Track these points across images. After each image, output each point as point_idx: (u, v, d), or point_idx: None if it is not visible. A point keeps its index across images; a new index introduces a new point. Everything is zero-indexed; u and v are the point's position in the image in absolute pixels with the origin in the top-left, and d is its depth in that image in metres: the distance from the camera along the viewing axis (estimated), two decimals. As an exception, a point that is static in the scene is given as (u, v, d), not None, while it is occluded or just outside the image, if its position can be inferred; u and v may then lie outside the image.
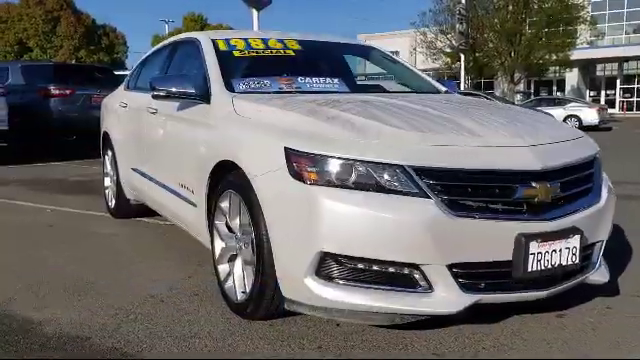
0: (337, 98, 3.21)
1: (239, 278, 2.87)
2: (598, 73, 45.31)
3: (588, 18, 32.49)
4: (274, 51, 3.74)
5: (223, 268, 3.03)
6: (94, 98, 11.08)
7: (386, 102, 3.05)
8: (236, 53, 3.67)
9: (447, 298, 2.33)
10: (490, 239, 2.33)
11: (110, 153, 5.32)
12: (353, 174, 2.35)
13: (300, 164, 2.42)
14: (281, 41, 3.86)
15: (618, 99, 43.57)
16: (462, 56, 25.74)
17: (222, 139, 2.99)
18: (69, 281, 3.48)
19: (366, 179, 2.33)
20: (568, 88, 43.72)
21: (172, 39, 4.48)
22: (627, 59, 42.05)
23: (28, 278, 3.53)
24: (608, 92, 44.58)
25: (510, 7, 29.94)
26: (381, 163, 2.33)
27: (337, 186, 2.35)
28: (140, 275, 3.60)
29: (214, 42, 3.73)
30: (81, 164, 10.08)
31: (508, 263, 2.36)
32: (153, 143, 4.10)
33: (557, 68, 36.54)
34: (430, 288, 2.34)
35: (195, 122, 3.36)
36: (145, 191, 4.36)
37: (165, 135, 3.85)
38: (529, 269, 2.34)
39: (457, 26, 25.68)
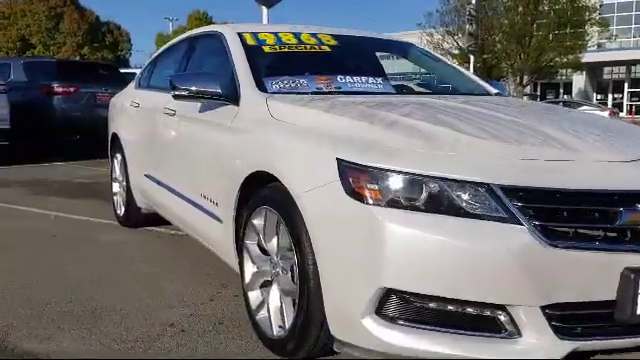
0: (388, 100, 2.81)
1: (275, 310, 2.46)
2: (605, 76, 44.94)
3: (599, 20, 32.07)
4: (308, 46, 3.34)
5: (255, 295, 2.62)
6: (99, 96, 10.72)
7: (448, 105, 2.65)
8: (266, 49, 3.27)
9: (539, 345, 1.92)
10: (591, 274, 1.92)
11: (119, 157, 4.92)
12: (424, 193, 1.94)
13: (357, 180, 2.02)
14: (314, 35, 3.45)
15: (625, 102, 43.14)
16: (472, 57, 25.29)
17: (255, 146, 2.59)
18: (76, 304, 3.07)
19: (440, 199, 1.93)
20: (575, 91, 43.34)
21: (190, 33, 4.07)
22: (635, 62, 41.67)
23: (30, 300, 3.13)
24: (615, 95, 44.19)
25: (520, 8, 29.53)
26: (461, 181, 1.92)
27: (404, 207, 1.94)
28: (156, 297, 3.19)
29: (241, 36, 3.32)
30: (85, 165, 9.68)
31: (610, 303, 1.94)
32: (170, 148, 3.70)
33: (565, 71, 36.16)
34: (518, 333, 1.93)
35: (221, 126, 2.95)
36: (159, 200, 3.95)
37: (185, 139, 3.44)
38: (638, 311, 1.93)
39: (467, 27, 25.20)
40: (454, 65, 3.88)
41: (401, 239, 1.91)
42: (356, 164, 2.03)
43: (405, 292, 1.93)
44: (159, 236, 4.66)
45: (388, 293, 1.96)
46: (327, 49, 3.37)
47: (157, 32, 49.26)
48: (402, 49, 3.96)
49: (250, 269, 2.66)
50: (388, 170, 1.98)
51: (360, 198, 1.99)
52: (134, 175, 4.53)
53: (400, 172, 1.97)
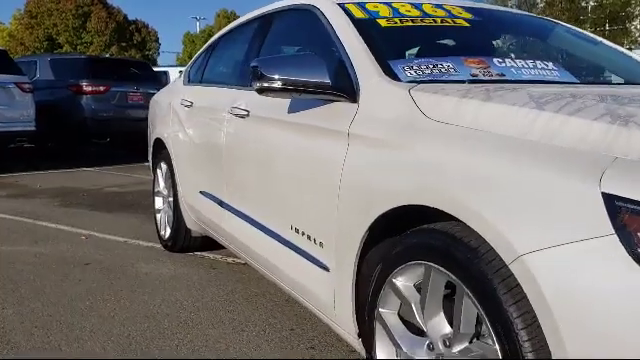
0: (594, 92, 1.86)
1: None
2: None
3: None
4: (438, 20, 2.41)
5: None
6: (130, 96, 9.96)
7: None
8: (383, 22, 2.34)
9: None
10: None
11: (165, 167, 4.04)
12: None
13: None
14: (440, 7, 2.52)
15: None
16: (513, 54, 24.14)
17: (404, 165, 1.66)
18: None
19: None
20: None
21: (262, 10, 3.14)
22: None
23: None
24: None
25: (560, 4, 28.24)
26: None
27: None
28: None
29: (344, 7, 2.40)
30: (116, 170, 8.87)
31: None
32: (240, 160, 2.80)
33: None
34: None
35: (330, 132, 2.04)
36: (221, 226, 3.06)
37: (265, 150, 2.53)
38: None
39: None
40: (620, 48, 2.90)
41: None
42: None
43: None
44: (213, 266, 3.77)
45: None
46: (464, 23, 2.43)
47: (184, 32, 48.64)
48: (545, 28, 2.97)
49: (386, 351, 1.74)
50: None
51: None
52: (185, 191, 3.65)
53: None
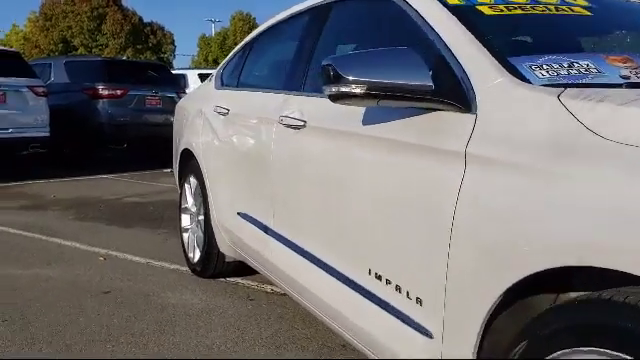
0: None
1: None
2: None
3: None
4: (551, 8, 1.90)
5: None
6: (148, 100, 9.55)
7: None
8: (485, 10, 1.84)
9: None
10: None
11: (194, 181, 3.57)
12: None
13: None
14: (546, -8, 2.01)
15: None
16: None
17: (565, 204, 1.16)
18: None
19: None
20: None
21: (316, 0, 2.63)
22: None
23: None
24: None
25: None
26: None
27: None
28: None
29: (432, -8, 1.90)
30: (134, 178, 8.43)
31: None
32: (295, 180, 2.31)
33: None
34: None
35: (433, 152, 1.55)
36: (265, 256, 2.57)
37: (332, 170, 2.03)
38: None
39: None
40: None
41: None
42: None
43: None
44: (251, 296, 3.29)
45: None
46: (584, 12, 1.92)
47: (199, 34, 48.30)
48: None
49: None
50: None
51: None
52: (219, 210, 3.17)
53: None
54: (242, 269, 3.42)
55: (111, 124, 9.07)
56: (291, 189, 2.32)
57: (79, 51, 33.79)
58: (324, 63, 1.63)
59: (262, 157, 2.56)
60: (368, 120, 1.81)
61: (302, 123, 2.20)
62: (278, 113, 2.42)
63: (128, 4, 45.48)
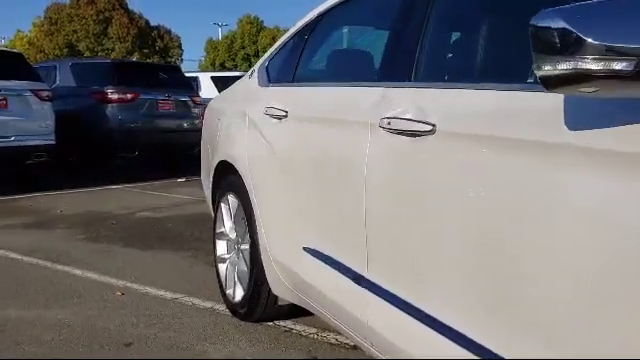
0: None
1: None
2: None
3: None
4: None
5: None
6: (161, 104, 8.90)
7: None
8: None
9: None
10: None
11: (234, 201, 2.88)
12: None
13: None
14: None
15: None
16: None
17: None
18: None
19: None
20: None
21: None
22: None
23: None
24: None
25: None
26: None
27: None
28: None
29: None
30: (147, 189, 7.75)
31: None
32: (412, 213, 1.58)
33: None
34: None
35: None
36: (355, 313, 1.85)
37: (490, 206, 1.31)
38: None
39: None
40: None
41: None
42: None
43: None
44: (311, 349, 2.58)
45: None
46: None
47: (205, 38, 47.59)
48: None
49: None
50: None
51: None
52: (274, 241, 2.46)
53: None
54: (295, 308, 2.73)
55: (121, 130, 8.41)
56: (405, 225, 1.61)
57: (85, 55, 33.22)
58: (540, 23, 0.93)
59: (348, 175, 1.86)
60: (573, 122, 1.10)
61: (429, 128, 1.49)
62: (377, 114, 1.72)
63: (134, 7, 44.93)
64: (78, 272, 3.80)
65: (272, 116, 2.49)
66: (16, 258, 4.15)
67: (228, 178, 2.97)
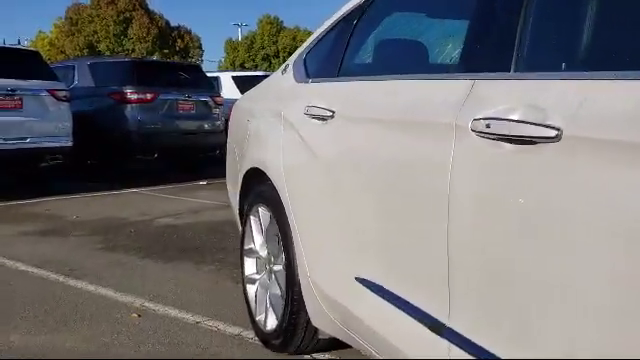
0: None
1: None
2: None
3: None
4: None
5: None
6: (181, 105, 8.58)
7: None
8: None
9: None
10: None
11: (265, 215, 2.51)
12: None
13: None
14: None
15: None
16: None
17: None
18: None
19: None
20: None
21: None
22: None
23: None
24: None
25: None
26: None
27: None
28: None
29: None
30: (167, 192, 7.41)
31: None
32: (528, 246, 1.19)
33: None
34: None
35: None
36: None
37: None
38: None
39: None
40: None
41: None
42: None
43: None
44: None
45: None
46: None
47: (225, 39, 47.39)
48: None
49: None
50: None
51: None
52: (317, 266, 2.08)
53: None
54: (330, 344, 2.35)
55: (140, 132, 8.10)
56: (509, 261, 1.21)
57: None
58: None
59: (422, 193, 1.47)
60: None
61: (551, 133, 1.09)
62: (465, 114, 1.33)
63: (155, 7, 44.85)
64: (91, 288, 3.46)
65: (314, 116, 2.11)
66: (25, 271, 3.83)
67: (259, 187, 2.60)
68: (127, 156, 8.47)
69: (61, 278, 3.66)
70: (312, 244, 2.12)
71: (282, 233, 2.35)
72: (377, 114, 1.78)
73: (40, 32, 39.89)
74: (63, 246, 4.55)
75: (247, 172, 2.69)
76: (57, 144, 7.24)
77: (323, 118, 2.05)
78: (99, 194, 7.18)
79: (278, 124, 2.39)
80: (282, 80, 2.71)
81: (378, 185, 1.72)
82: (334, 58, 2.28)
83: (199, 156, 9.05)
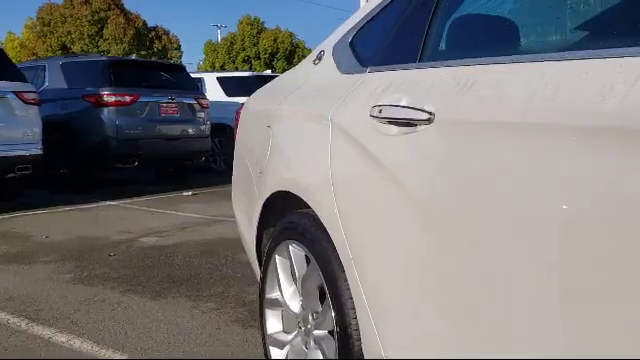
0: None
1: None
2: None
3: None
4: None
5: None
6: (163, 108, 7.87)
7: None
8: None
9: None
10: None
11: (301, 255, 1.84)
12: None
13: None
14: None
15: None
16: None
17: None
18: None
19: None
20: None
21: None
22: None
23: None
24: None
25: None
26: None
27: None
28: None
29: None
30: (149, 205, 6.68)
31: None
32: None
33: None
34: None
35: None
36: None
37: None
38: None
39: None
40: None
41: None
42: None
43: None
44: None
45: None
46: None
47: (204, 41, 46.35)
48: None
49: None
50: None
51: None
52: (403, 339, 1.39)
53: None
54: None
55: (119, 138, 7.39)
56: None
57: (79, 58, 31.90)
58: None
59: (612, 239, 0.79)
60: None
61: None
62: None
63: (131, 7, 43.75)
64: (62, 339, 2.74)
65: (392, 120, 1.41)
66: (-20, 314, 3.08)
67: (289, 217, 1.90)
68: (104, 165, 7.72)
69: (24, 324, 2.93)
70: (389, 306, 1.43)
71: (330, 285, 1.65)
72: (517, 116, 1.09)
73: (10, 33, 38.53)
74: (29, 276, 3.80)
75: (271, 196, 1.98)
76: (26, 152, 6.45)
77: (410, 123, 1.35)
78: (73, 208, 6.43)
79: (323, 131, 1.70)
80: (317, 71, 2.02)
81: (525, 229, 1.03)
82: (408, 37, 1.58)
83: (184, 163, 8.36)
